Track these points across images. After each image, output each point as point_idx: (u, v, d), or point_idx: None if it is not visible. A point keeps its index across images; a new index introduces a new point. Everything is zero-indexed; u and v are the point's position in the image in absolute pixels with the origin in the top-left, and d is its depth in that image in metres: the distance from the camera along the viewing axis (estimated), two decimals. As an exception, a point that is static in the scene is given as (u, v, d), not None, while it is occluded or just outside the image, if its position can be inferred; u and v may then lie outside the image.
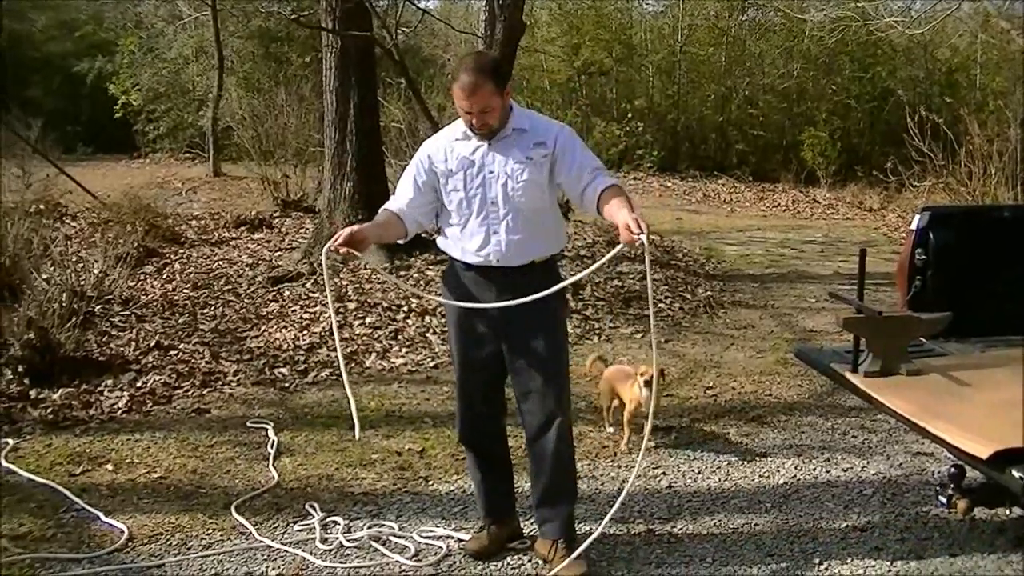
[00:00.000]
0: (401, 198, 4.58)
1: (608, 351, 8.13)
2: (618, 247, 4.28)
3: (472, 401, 4.71)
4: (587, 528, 4.98)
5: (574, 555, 4.41)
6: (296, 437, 6.34)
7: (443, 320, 8.62)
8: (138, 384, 7.18)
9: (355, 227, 4.35)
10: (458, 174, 4.46)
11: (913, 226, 5.18)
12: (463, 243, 4.50)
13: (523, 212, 4.41)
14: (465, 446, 4.90)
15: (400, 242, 4.81)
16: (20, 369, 6.94)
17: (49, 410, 6.61)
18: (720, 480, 5.72)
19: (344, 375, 4.78)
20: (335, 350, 7.96)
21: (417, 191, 4.55)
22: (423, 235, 9.84)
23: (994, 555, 4.76)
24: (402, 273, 9.89)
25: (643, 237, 3.92)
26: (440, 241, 4.68)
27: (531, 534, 4.85)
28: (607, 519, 4.39)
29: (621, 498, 4.55)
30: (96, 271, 8.74)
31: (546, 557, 4.63)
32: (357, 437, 5.67)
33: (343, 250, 4.23)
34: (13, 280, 8.13)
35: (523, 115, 4.52)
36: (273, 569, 4.66)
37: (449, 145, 4.51)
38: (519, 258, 4.44)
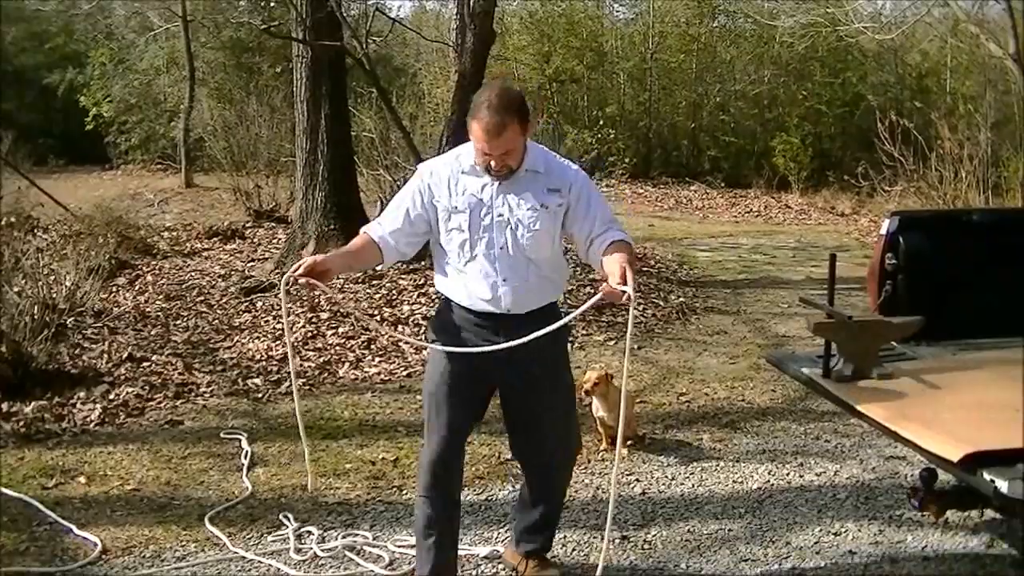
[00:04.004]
0: (387, 225, 4.17)
1: (582, 358, 8.14)
2: (597, 295, 3.86)
3: (450, 440, 4.26)
4: (561, 535, 4.95)
5: None
6: (270, 447, 6.32)
7: (416, 329, 8.62)
8: (111, 396, 7.14)
9: (319, 257, 3.97)
10: (463, 213, 4.07)
11: (883, 230, 5.18)
12: (468, 287, 4.14)
13: (531, 260, 4.10)
14: (429, 497, 4.28)
15: (379, 268, 4.53)
16: (-9, 383, 6.90)
17: (21, 423, 6.56)
18: (694, 486, 5.74)
19: (300, 422, 4.37)
20: (307, 360, 7.97)
21: (407, 222, 4.15)
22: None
23: (967, 557, 4.80)
24: (374, 282, 9.87)
25: (628, 290, 3.66)
26: (439, 281, 4.31)
27: (502, 542, 4.84)
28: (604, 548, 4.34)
29: (610, 521, 4.51)
30: (68, 283, 8.67)
31: (517, 567, 4.57)
32: (310, 489, 5.59)
33: (303, 280, 3.84)
34: (-16, 293, 8.08)
35: (538, 155, 4.14)
36: (247, 581, 4.65)
37: (455, 177, 4.11)
38: (526, 306, 4.14)
